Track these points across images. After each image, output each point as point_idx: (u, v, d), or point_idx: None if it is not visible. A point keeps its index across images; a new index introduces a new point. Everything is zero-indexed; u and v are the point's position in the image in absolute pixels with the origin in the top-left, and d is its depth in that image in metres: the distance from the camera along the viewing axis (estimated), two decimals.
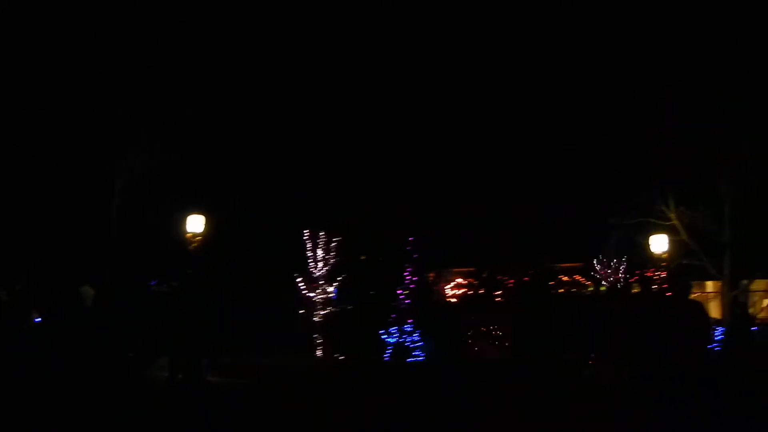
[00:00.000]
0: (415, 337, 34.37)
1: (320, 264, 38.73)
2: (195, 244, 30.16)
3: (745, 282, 34.91)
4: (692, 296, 17.34)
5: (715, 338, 28.13)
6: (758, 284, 36.42)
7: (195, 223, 30.33)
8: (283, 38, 43.65)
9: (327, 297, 38.91)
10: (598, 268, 36.99)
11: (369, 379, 25.26)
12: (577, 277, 38.22)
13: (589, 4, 40.65)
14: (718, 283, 34.97)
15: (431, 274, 40.17)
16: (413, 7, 44.20)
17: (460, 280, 39.93)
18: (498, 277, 38.74)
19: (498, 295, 38.62)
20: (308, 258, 38.53)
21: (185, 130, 36.04)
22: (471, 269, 40.11)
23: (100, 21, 35.31)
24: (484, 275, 39.07)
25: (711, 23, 35.02)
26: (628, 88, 35.89)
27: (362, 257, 41.87)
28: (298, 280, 38.01)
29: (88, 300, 26.22)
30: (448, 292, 40.03)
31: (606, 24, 39.88)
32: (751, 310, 37.34)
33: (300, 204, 41.48)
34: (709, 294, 40.07)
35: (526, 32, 43.74)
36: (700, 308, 16.13)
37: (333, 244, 38.76)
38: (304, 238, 38.48)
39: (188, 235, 30.17)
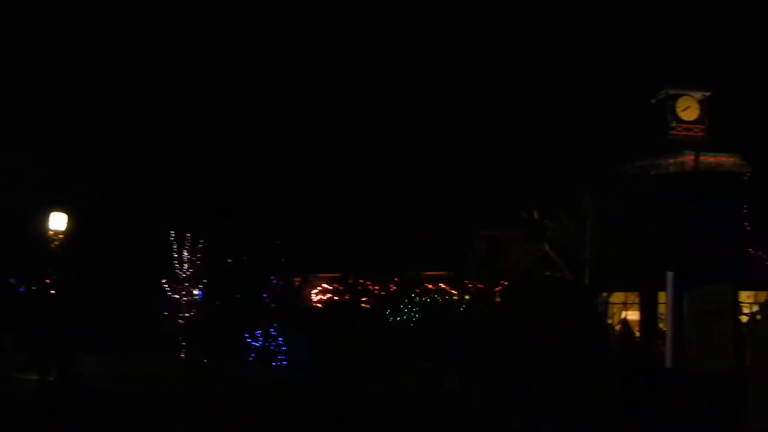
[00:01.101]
0: (280, 341, 34.19)
1: (186, 266, 38.29)
2: (57, 243, 29.32)
3: (604, 294, 35.67)
4: None
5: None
6: (617, 297, 37.26)
7: (57, 221, 29.45)
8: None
9: (192, 299, 38.47)
10: (462, 277, 37.34)
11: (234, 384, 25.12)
12: (443, 286, 38.51)
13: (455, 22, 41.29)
14: None
15: (297, 279, 39.97)
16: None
17: (325, 286, 39.84)
18: (364, 283, 38.79)
19: (364, 302, 38.65)
20: (174, 259, 38.08)
21: (53, 129, 35.39)
22: (337, 275, 40.05)
23: None
24: (349, 281, 39.06)
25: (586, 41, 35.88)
26: (497, 105, 36.54)
27: (228, 260, 41.50)
28: (164, 281, 37.55)
29: None
30: (314, 297, 39.90)
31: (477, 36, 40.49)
32: (609, 321, 38.19)
33: (167, 205, 40.98)
34: None
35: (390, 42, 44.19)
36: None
37: (199, 245, 38.37)
38: (171, 239, 38.00)
39: (50, 233, 29.31)
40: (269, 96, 44.05)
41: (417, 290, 37.79)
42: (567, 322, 16.05)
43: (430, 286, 38.34)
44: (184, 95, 42.48)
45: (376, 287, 38.80)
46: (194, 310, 37.87)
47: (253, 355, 33.86)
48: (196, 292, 38.76)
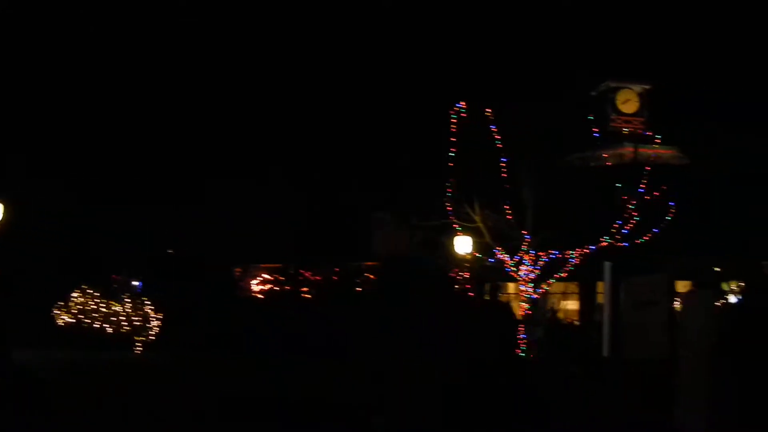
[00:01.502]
0: (228, 331, 34.07)
1: (132, 257, 38.11)
2: None
3: (544, 285, 35.94)
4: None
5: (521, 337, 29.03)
6: (556, 286, 37.57)
7: None
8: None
9: (132, 289, 38.23)
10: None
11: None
12: None
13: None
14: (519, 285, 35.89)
15: (238, 269, 39.82)
16: None
17: (266, 276, 39.71)
18: (305, 274, 38.71)
19: (305, 292, 38.56)
20: (121, 251, 37.91)
21: None
22: (277, 265, 39.93)
23: None
24: (290, 272, 38.97)
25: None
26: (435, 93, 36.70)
27: (169, 250, 41.30)
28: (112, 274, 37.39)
29: None
30: (255, 287, 39.77)
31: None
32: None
33: (106, 195, 40.68)
34: (511, 295, 41.15)
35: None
36: (506, 309, 16.58)
37: (143, 236, 38.20)
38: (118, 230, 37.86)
39: None
40: (221, 86, 43.85)
41: (358, 280, 37.81)
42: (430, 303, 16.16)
43: (371, 277, 38.37)
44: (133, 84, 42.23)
45: (318, 278, 38.75)
46: (134, 302, 37.59)
47: (197, 345, 33.68)
48: (135, 283, 38.52)
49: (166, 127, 43.06)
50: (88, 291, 37.39)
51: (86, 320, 36.81)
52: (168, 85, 43.55)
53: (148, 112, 43.11)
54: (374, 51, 43.71)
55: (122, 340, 36.38)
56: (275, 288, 38.93)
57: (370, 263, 39.18)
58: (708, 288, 9.25)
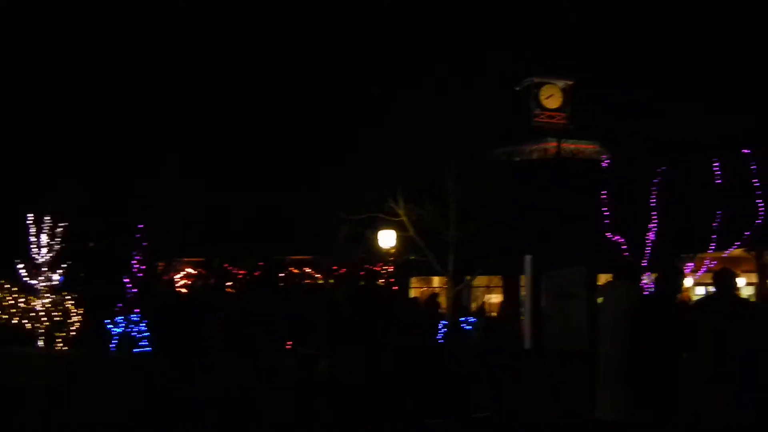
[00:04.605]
0: (142, 326, 33.50)
1: (44, 250, 37.34)
2: None
3: (468, 278, 36.13)
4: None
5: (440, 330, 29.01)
6: (480, 280, 37.76)
7: None
8: None
9: (51, 284, 37.51)
10: (327, 261, 37.27)
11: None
12: (307, 270, 38.35)
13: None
14: (444, 279, 36.02)
15: (160, 264, 39.31)
16: None
17: (190, 270, 39.29)
18: (228, 268, 38.34)
19: (229, 286, 38.20)
20: (31, 243, 37.13)
21: None
22: (201, 259, 39.52)
23: None
24: (214, 265, 38.57)
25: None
26: (357, 85, 36.66)
27: (90, 244, 40.62)
28: (20, 266, 36.59)
29: None
30: (178, 281, 39.30)
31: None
32: (473, 305, 38.69)
33: (23, 187, 39.95)
34: (435, 288, 41.33)
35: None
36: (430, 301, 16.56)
37: (59, 229, 37.45)
38: (28, 222, 37.05)
39: None
40: (146, 70, 43.50)
41: (281, 274, 37.57)
42: None
43: (294, 270, 38.14)
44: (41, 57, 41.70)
45: (242, 272, 38.42)
46: (52, 296, 36.88)
47: (114, 340, 33.15)
48: (56, 277, 37.81)
49: (88, 122, 42.59)
50: (5, 286, 36.69)
51: (3, 316, 36.11)
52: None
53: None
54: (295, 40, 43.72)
55: (42, 336, 35.78)
56: (199, 282, 38.56)
57: (294, 257, 38.99)
58: (625, 279, 9.28)
